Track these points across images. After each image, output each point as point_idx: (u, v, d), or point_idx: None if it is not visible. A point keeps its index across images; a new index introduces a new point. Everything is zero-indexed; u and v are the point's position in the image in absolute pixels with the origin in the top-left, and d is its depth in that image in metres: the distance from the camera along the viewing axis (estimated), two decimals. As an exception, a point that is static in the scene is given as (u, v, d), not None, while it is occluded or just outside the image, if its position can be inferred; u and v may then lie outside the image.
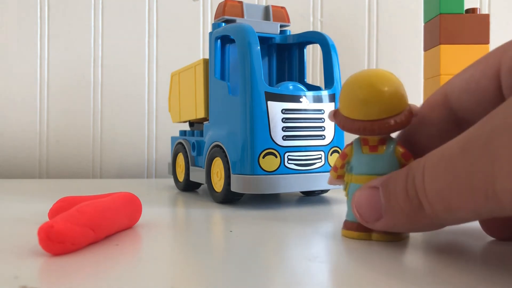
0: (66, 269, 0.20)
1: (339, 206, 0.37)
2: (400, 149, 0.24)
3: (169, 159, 0.64)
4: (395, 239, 0.25)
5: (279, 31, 0.43)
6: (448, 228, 0.27)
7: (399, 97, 0.24)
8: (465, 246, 0.24)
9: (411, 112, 0.24)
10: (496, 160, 0.17)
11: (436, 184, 0.19)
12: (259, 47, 0.36)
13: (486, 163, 0.17)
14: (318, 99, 0.38)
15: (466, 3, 0.43)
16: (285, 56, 0.46)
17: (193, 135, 0.46)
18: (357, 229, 0.25)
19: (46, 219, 0.30)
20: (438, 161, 0.19)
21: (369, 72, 0.25)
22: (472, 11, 0.42)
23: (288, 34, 0.44)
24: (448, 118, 0.24)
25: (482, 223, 0.25)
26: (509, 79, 0.20)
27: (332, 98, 0.39)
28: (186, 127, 0.60)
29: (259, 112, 0.35)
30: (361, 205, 0.23)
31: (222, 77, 0.41)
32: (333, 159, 0.38)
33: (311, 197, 0.43)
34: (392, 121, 0.24)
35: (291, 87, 0.38)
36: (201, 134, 0.44)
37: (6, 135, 0.66)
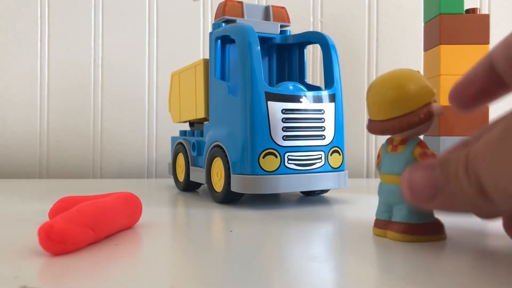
0: (66, 269, 0.20)
1: (339, 206, 0.37)
2: (419, 149, 0.25)
3: (169, 159, 0.64)
4: (440, 238, 0.25)
5: (279, 31, 0.43)
6: (448, 229, 0.27)
7: (403, 98, 0.24)
8: (467, 247, 0.24)
9: (429, 109, 0.24)
10: None
11: (488, 169, 0.18)
12: (259, 47, 0.36)
13: None
14: (318, 99, 0.38)
15: (466, 3, 0.43)
16: (285, 56, 0.46)
17: (193, 135, 0.46)
18: (429, 232, 0.25)
19: (46, 219, 0.30)
20: (491, 145, 0.19)
21: (382, 76, 0.26)
22: (472, 11, 0.42)
23: (288, 34, 0.44)
24: (496, 83, 0.23)
25: (506, 228, 0.24)
26: None
27: (332, 98, 0.39)
28: (186, 127, 0.60)
29: (259, 112, 0.35)
30: (416, 183, 0.22)
31: (222, 77, 0.41)
32: (333, 159, 0.38)
33: (311, 197, 0.43)
34: (402, 120, 0.24)
35: (291, 87, 0.38)
36: (201, 134, 0.44)
37: (6, 135, 0.66)
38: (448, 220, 0.26)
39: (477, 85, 0.23)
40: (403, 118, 0.24)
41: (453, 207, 0.21)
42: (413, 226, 0.25)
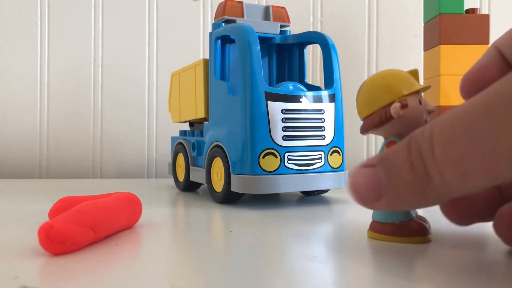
0: (66, 269, 0.20)
1: (339, 206, 0.37)
2: (385, 150, 0.25)
3: (169, 159, 0.64)
4: (422, 241, 0.25)
5: (279, 31, 0.43)
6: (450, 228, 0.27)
7: (368, 98, 0.26)
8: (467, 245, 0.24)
9: (386, 110, 0.25)
10: None
11: (450, 150, 0.18)
12: (259, 47, 0.36)
13: (510, 125, 0.16)
14: (318, 99, 0.38)
15: (466, 3, 0.43)
16: (285, 56, 0.46)
17: (193, 135, 0.46)
18: (387, 232, 0.25)
19: (46, 219, 0.30)
20: (452, 126, 0.18)
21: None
22: (472, 11, 0.42)
23: (288, 34, 0.44)
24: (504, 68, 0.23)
25: (443, 208, 0.24)
26: None
27: (332, 98, 0.39)
28: (186, 127, 0.60)
29: (259, 112, 0.35)
30: (359, 185, 0.21)
31: (222, 77, 0.41)
32: (333, 159, 0.38)
33: (311, 197, 0.43)
34: (368, 120, 0.26)
35: (291, 87, 0.38)
36: (201, 134, 0.44)
37: (7, 135, 0.66)
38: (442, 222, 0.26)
39: (493, 72, 0.23)
40: (367, 118, 0.26)
41: (401, 202, 0.20)
42: (387, 226, 0.25)
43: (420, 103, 0.25)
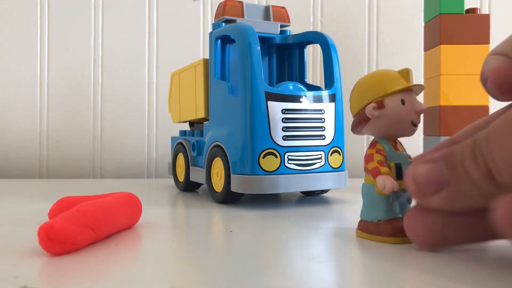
0: (66, 269, 0.20)
1: (339, 206, 0.37)
2: (367, 151, 0.26)
3: (169, 159, 0.64)
4: (399, 241, 0.25)
5: (279, 31, 0.43)
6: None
7: (355, 97, 0.27)
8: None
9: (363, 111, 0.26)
10: None
11: (502, 149, 0.19)
12: (259, 47, 0.36)
13: None
14: (318, 99, 0.38)
15: (466, 3, 0.43)
16: (285, 56, 0.46)
17: (193, 135, 0.46)
18: (367, 230, 0.26)
19: (46, 219, 0.30)
20: (502, 126, 0.19)
21: None
22: (472, 11, 0.42)
23: (288, 34, 0.44)
24: None
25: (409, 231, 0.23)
26: None
27: (332, 98, 0.39)
28: (186, 127, 0.60)
29: (259, 112, 0.35)
30: (421, 177, 0.22)
31: (222, 77, 0.41)
32: (333, 159, 0.38)
33: (311, 197, 0.43)
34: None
35: (291, 87, 0.38)
36: (201, 134, 0.44)
37: (6, 135, 0.66)
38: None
39: None
40: (353, 117, 0.27)
41: (461, 198, 0.21)
42: (368, 224, 0.26)
43: (403, 103, 0.25)
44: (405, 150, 0.26)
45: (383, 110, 0.25)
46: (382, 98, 0.25)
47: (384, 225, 0.25)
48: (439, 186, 0.21)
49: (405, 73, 0.26)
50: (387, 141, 0.26)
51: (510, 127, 0.18)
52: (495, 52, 0.24)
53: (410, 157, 0.26)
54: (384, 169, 0.25)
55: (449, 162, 0.21)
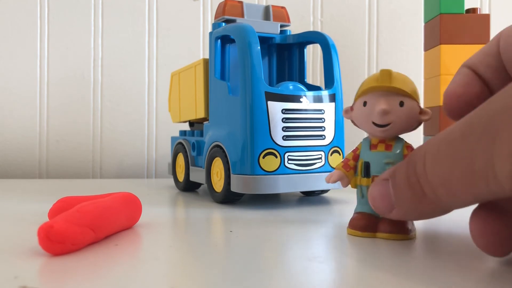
0: (66, 269, 0.20)
1: (339, 206, 0.37)
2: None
3: (169, 159, 0.64)
4: (399, 237, 0.25)
5: (279, 31, 0.43)
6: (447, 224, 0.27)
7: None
8: (463, 244, 0.24)
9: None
10: (495, 142, 0.16)
11: (438, 169, 0.19)
12: (259, 47, 0.36)
13: (486, 146, 0.17)
14: (318, 99, 0.38)
15: (466, 3, 0.43)
16: (285, 56, 0.46)
17: (193, 135, 0.46)
18: (362, 229, 0.26)
19: (46, 219, 0.30)
20: (439, 146, 0.19)
21: None
22: (472, 11, 0.42)
23: (288, 34, 0.44)
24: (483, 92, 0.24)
25: (477, 242, 0.21)
26: (508, 54, 0.21)
27: (332, 98, 0.39)
28: (186, 127, 0.60)
29: (259, 112, 0.35)
30: (375, 198, 0.23)
31: (222, 77, 0.41)
32: (333, 159, 0.38)
33: (311, 197, 0.43)
34: None
35: (291, 87, 0.38)
36: (201, 134, 0.44)
37: (6, 135, 0.66)
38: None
39: (474, 88, 0.24)
40: None
41: (406, 214, 0.22)
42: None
43: (365, 104, 0.25)
44: (391, 150, 0.26)
45: (351, 113, 0.27)
46: (355, 101, 0.27)
47: (353, 217, 0.27)
48: (389, 205, 0.23)
49: (383, 75, 0.25)
50: (369, 140, 0.27)
51: (446, 148, 0.19)
52: (465, 65, 0.24)
53: (389, 162, 0.26)
54: (339, 164, 0.27)
55: (392, 182, 0.22)
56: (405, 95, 0.25)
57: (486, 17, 0.41)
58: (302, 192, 0.43)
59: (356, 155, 0.27)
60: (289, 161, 0.36)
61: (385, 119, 0.25)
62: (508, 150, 0.16)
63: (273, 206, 0.37)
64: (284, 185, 0.35)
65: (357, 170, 0.27)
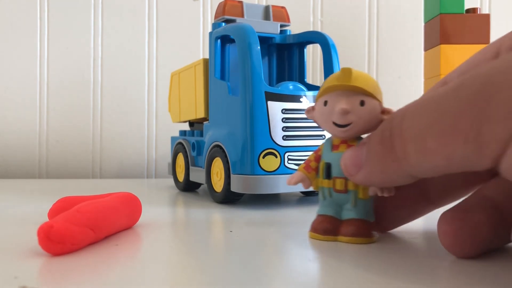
0: (66, 269, 0.20)
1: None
2: None
3: (169, 159, 0.64)
4: (361, 241, 0.25)
5: (279, 31, 0.43)
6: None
7: None
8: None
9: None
10: (490, 103, 0.16)
11: (415, 123, 0.19)
12: (259, 47, 0.36)
13: (477, 106, 0.16)
14: (318, 99, 0.38)
15: (466, 3, 0.43)
16: (285, 56, 0.46)
17: (193, 135, 0.46)
18: (324, 232, 0.25)
19: (46, 219, 0.30)
20: (422, 103, 0.19)
21: None
22: (472, 11, 0.42)
23: (288, 34, 0.44)
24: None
25: (442, 240, 0.22)
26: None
27: (332, 98, 0.39)
28: (186, 127, 0.60)
29: (259, 112, 0.35)
30: (346, 157, 0.23)
31: (222, 77, 0.41)
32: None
33: (311, 197, 0.43)
34: None
35: (291, 87, 0.38)
36: (201, 134, 0.44)
37: (6, 135, 0.66)
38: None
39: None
40: None
41: (371, 176, 0.22)
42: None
43: (326, 104, 0.25)
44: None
45: (313, 112, 0.26)
46: (316, 101, 0.26)
47: (315, 220, 0.26)
48: (358, 165, 0.23)
49: (345, 73, 0.25)
50: (330, 140, 0.26)
51: (432, 103, 0.18)
52: (443, 82, 0.24)
53: None
54: (300, 166, 0.26)
55: (367, 141, 0.22)
56: (366, 94, 0.24)
57: (486, 17, 0.42)
58: (302, 192, 0.43)
59: (318, 156, 0.26)
60: (289, 161, 0.36)
61: (345, 119, 0.24)
62: (504, 111, 0.15)
63: (273, 206, 0.37)
64: (284, 185, 0.35)
65: (319, 172, 0.26)
